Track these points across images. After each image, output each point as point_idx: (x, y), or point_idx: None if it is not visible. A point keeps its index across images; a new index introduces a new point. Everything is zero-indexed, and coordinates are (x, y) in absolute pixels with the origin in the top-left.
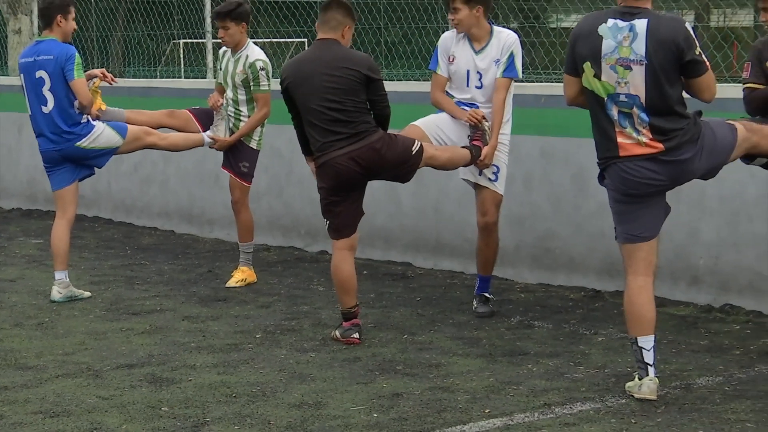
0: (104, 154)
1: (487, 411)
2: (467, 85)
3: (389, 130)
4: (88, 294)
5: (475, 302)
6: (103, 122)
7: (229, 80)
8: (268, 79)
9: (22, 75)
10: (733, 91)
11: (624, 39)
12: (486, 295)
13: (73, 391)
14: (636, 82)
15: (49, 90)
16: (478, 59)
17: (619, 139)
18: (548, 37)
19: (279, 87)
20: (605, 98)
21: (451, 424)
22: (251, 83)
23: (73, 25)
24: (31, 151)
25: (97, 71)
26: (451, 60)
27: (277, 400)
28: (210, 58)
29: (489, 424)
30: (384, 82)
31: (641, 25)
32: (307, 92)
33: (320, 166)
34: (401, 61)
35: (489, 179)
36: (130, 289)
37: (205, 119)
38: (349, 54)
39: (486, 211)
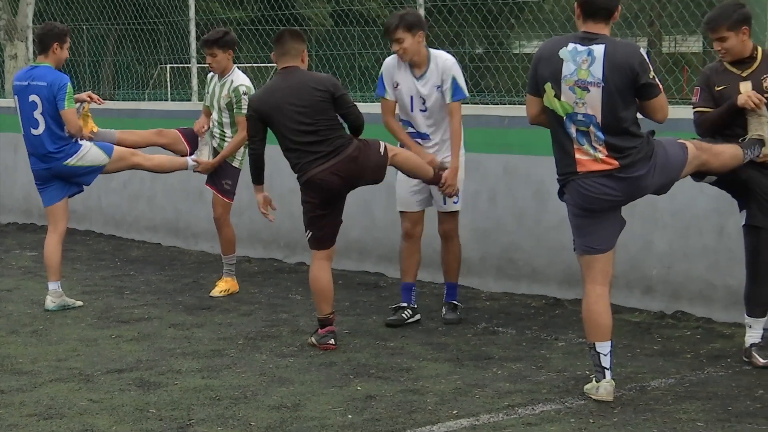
0: (91, 171)
1: (454, 412)
2: (411, 111)
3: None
4: (80, 303)
5: (444, 309)
6: (90, 141)
7: (215, 103)
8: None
9: (16, 97)
10: (684, 112)
11: (583, 62)
12: (454, 302)
13: (66, 395)
14: (593, 103)
15: (40, 114)
16: (419, 85)
17: (577, 156)
18: (511, 61)
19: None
20: (564, 117)
21: (420, 425)
22: (234, 106)
23: (66, 53)
24: (26, 169)
25: (84, 95)
26: (395, 86)
27: (258, 403)
28: (195, 81)
29: (456, 425)
30: (358, 103)
31: (599, 49)
32: (280, 120)
33: (303, 184)
34: (374, 84)
35: (453, 202)
36: (119, 298)
37: (193, 138)
38: (312, 76)
39: (444, 221)
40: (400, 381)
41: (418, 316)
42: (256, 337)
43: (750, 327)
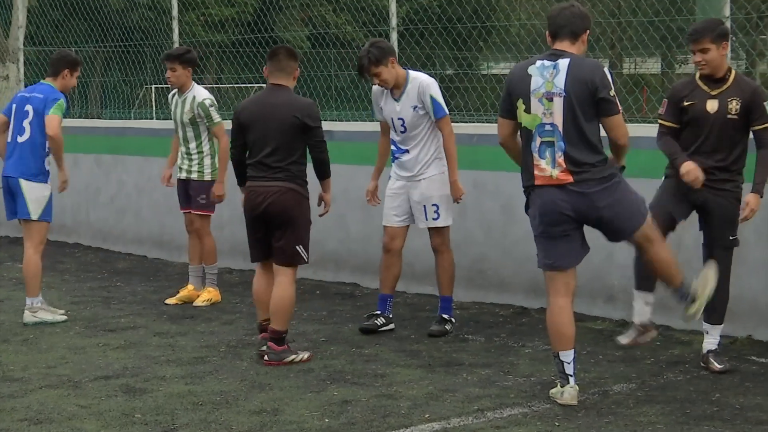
0: (24, 207)
1: (426, 416)
2: (395, 131)
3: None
4: (62, 318)
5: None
6: (51, 194)
7: (178, 120)
8: (217, 112)
9: (14, 106)
10: (644, 130)
11: (549, 75)
12: (444, 316)
13: (55, 401)
14: (556, 112)
15: (29, 122)
16: (398, 106)
17: (536, 172)
18: (480, 82)
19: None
20: (533, 130)
21: (394, 428)
22: (205, 120)
23: (74, 82)
24: None
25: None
26: (381, 110)
27: (239, 407)
28: None
29: (429, 428)
30: (335, 122)
31: (564, 63)
32: (256, 133)
33: (246, 189)
34: (350, 103)
35: (433, 219)
36: (106, 308)
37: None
38: (296, 101)
39: (432, 237)
40: (374, 386)
41: (391, 326)
42: (237, 345)
43: (707, 333)
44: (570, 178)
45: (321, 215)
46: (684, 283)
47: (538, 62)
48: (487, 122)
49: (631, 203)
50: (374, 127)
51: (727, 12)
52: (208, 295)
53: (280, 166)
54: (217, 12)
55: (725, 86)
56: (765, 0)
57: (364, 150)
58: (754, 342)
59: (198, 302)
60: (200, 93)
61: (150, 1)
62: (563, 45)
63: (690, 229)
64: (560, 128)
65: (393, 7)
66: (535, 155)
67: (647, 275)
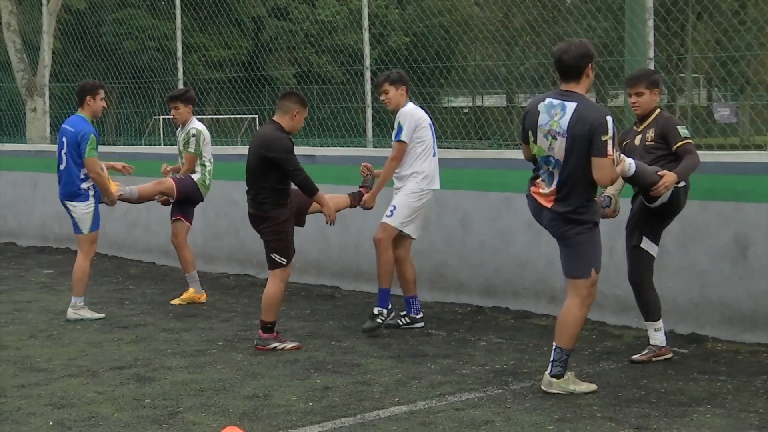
0: (76, 227)
1: (396, 399)
2: None
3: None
4: (100, 315)
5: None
6: (96, 207)
7: (180, 147)
8: (198, 145)
9: (58, 137)
10: None
11: (555, 114)
12: (374, 311)
13: (76, 388)
14: (559, 150)
15: (64, 153)
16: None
17: (532, 188)
18: (441, 114)
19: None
20: (540, 158)
21: (368, 410)
22: (187, 145)
23: (101, 104)
24: (43, 201)
25: (118, 165)
26: None
27: (235, 393)
28: None
29: (398, 410)
30: (317, 147)
31: (571, 106)
32: (248, 158)
33: None
34: (330, 132)
35: (386, 216)
36: (120, 308)
37: (186, 186)
38: (264, 135)
39: (377, 231)
40: (351, 374)
41: (420, 324)
42: (233, 339)
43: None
44: (549, 206)
45: (328, 223)
46: (567, 351)
47: (547, 100)
48: (447, 148)
49: (575, 257)
50: (351, 152)
51: (651, 54)
52: (187, 295)
53: (251, 193)
54: (216, 54)
55: (648, 122)
56: (683, 44)
57: (343, 171)
58: (676, 335)
59: (175, 301)
60: (193, 125)
61: (158, 44)
62: (570, 86)
63: (618, 239)
64: (561, 164)
65: (367, 50)
66: (539, 180)
67: (647, 310)
